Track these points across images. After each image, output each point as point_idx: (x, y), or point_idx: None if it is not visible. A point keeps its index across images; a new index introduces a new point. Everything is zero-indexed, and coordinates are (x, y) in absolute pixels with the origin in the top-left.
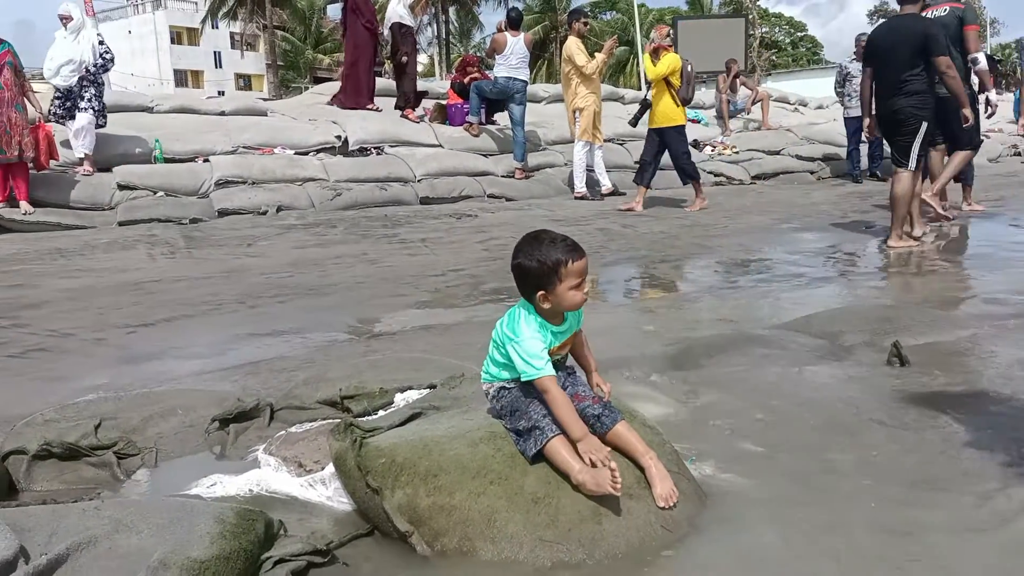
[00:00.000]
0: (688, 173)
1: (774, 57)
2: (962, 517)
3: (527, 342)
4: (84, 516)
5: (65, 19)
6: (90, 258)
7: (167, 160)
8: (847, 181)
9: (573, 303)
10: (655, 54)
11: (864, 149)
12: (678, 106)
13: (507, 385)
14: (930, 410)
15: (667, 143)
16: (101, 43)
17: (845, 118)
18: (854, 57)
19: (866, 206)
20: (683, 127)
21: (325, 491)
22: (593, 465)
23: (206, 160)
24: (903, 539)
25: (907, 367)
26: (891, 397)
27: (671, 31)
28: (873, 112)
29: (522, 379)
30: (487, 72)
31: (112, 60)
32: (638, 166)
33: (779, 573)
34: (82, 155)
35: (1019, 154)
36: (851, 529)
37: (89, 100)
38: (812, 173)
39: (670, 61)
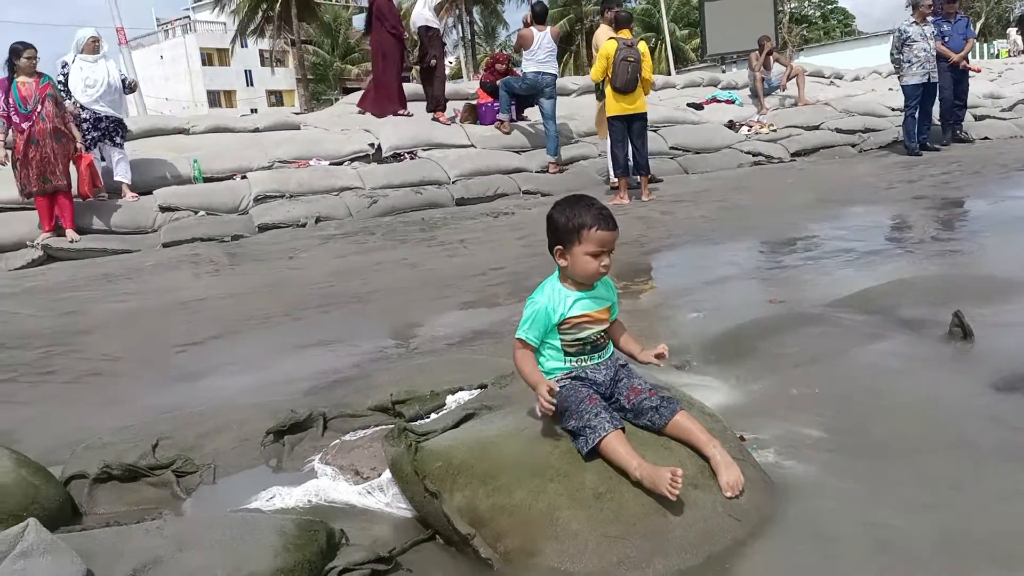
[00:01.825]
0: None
1: (805, 31)
2: None
3: (534, 305)
4: (148, 536)
5: (96, 42)
6: (137, 281)
7: (206, 179)
8: (889, 152)
9: (586, 270)
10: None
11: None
12: (614, 95)
13: (557, 383)
14: (998, 386)
15: None
16: (121, 72)
17: (903, 86)
18: (913, 20)
19: (912, 175)
20: (616, 118)
21: (383, 498)
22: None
23: (244, 177)
24: (983, 528)
25: (970, 339)
26: (955, 372)
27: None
28: None
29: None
30: (516, 69)
31: (134, 87)
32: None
33: (860, 566)
34: (127, 182)
35: None
36: (927, 517)
37: (123, 135)
38: (854, 146)
39: (602, 51)
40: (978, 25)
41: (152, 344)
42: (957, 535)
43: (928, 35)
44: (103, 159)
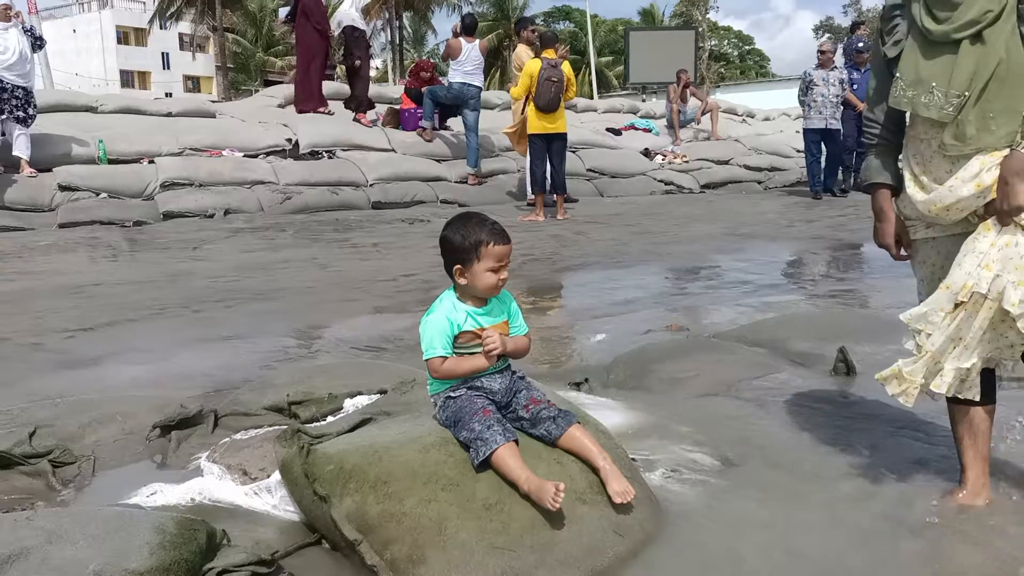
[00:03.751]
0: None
1: (722, 69)
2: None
3: (431, 322)
4: (15, 527)
5: (7, 9)
6: (28, 261)
7: (111, 161)
8: (791, 191)
9: (486, 284)
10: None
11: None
12: (537, 114)
13: (452, 394)
14: (877, 423)
15: None
16: (31, 28)
17: (803, 129)
18: (817, 65)
19: (811, 215)
20: (536, 136)
21: (271, 499)
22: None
23: (151, 162)
24: (854, 547)
25: (853, 375)
26: (838, 406)
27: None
28: None
29: (423, 357)
30: (440, 78)
31: (43, 43)
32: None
33: None
34: (25, 157)
35: None
36: (802, 541)
37: (33, 105)
38: (760, 183)
39: (526, 69)
40: None
41: (39, 327)
42: (835, 565)
43: (831, 81)
44: (3, 134)
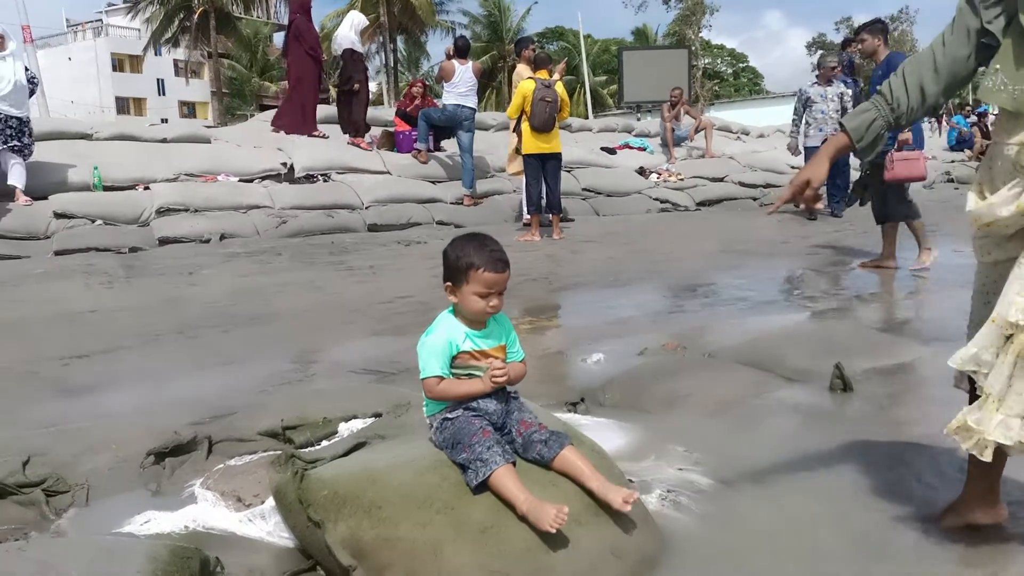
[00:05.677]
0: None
1: (716, 87)
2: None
3: (429, 342)
4: (6, 558)
5: (2, 39)
6: (24, 289)
7: (106, 188)
8: (787, 207)
9: (473, 309)
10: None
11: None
12: (531, 134)
13: (449, 415)
14: (876, 440)
15: None
16: (26, 68)
17: (804, 147)
18: (816, 81)
19: (806, 231)
20: (531, 156)
21: (265, 526)
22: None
23: (147, 188)
24: (854, 570)
25: (850, 391)
26: (835, 424)
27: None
28: None
29: (420, 376)
30: (434, 99)
31: (37, 85)
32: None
33: None
34: (20, 186)
35: (952, 180)
36: (802, 563)
37: (30, 135)
38: (755, 199)
39: (520, 90)
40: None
41: (35, 355)
42: None
43: (830, 97)
44: None
